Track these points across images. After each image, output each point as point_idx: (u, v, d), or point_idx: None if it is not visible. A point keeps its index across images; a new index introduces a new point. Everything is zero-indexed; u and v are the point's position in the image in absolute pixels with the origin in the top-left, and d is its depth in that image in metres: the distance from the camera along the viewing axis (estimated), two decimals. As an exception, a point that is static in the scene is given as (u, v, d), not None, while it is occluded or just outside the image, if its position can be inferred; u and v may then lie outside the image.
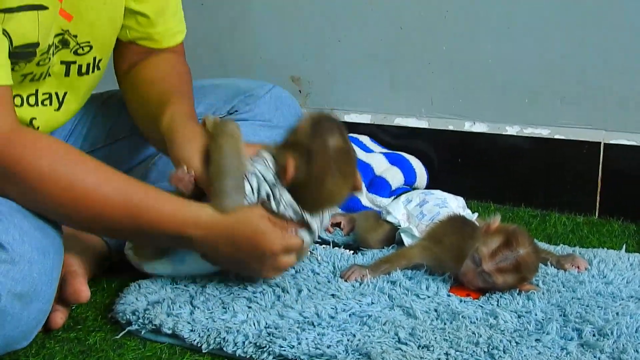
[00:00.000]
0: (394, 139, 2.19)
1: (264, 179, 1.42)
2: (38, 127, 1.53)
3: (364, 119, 2.22)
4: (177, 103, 1.53)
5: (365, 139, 2.14)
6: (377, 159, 2.07)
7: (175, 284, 1.49)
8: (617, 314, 1.37)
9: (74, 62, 1.53)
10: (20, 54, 1.38)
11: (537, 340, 1.29)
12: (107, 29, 1.54)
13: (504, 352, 1.24)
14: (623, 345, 1.26)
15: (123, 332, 1.38)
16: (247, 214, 1.39)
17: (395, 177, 2.02)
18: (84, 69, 1.55)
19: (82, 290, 1.40)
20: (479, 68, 2.10)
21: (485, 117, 2.11)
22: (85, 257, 1.52)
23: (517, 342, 1.28)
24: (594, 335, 1.30)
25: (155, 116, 1.52)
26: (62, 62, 1.51)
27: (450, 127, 2.14)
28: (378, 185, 1.99)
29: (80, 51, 1.51)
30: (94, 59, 1.56)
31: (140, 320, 1.37)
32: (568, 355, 1.24)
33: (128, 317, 1.38)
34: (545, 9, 2.01)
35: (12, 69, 1.37)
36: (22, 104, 1.50)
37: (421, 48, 2.15)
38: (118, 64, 1.70)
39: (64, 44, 1.48)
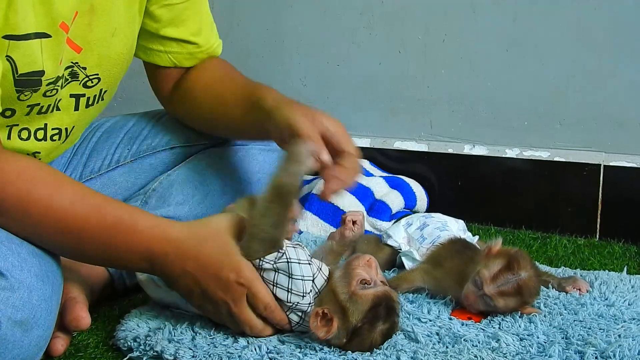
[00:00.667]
0: (394, 163, 2.19)
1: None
2: (40, 158, 1.53)
3: (364, 142, 2.23)
4: (269, 89, 1.56)
5: (365, 163, 2.15)
6: (377, 183, 2.07)
7: (176, 310, 1.48)
8: (620, 336, 1.36)
9: (83, 95, 1.53)
10: (26, 82, 1.38)
11: (539, 363, 1.29)
12: (115, 61, 1.55)
13: (507, 376, 1.24)
14: (626, 367, 1.26)
15: (125, 359, 1.37)
16: (218, 228, 1.34)
17: (395, 201, 2.02)
18: (90, 101, 1.56)
19: (83, 317, 1.39)
20: (478, 91, 2.10)
21: (484, 140, 2.12)
22: (86, 284, 1.51)
23: (519, 365, 1.27)
24: (596, 357, 1.30)
25: (248, 103, 1.55)
26: (71, 96, 1.51)
27: (450, 150, 2.14)
28: (378, 209, 1.99)
29: (89, 83, 1.52)
30: (100, 90, 1.56)
31: (142, 347, 1.36)
32: (571, 378, 1.24)
33: (129, 343, 1.38)
34: (545, 32, 2.02)
35: (18, 98, 1.38)
36: (28, 138, 1.50)
37: (420, 72, 2.16)
38: (161, 87, 1.73)
39: (73, 76, 1.49)
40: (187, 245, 1.33)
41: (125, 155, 1.77)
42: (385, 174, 2.15)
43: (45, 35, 1.38)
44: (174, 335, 1.38)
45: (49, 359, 1.37)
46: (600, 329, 1.39)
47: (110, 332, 1.47)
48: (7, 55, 1.32)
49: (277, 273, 1.33)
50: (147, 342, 1.36)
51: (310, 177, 2.11)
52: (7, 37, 1.32)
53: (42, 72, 1.39)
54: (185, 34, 1.65)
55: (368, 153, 2.21)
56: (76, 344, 1.43)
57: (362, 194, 2.01)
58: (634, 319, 1.45)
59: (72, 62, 1.47)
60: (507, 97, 2.08)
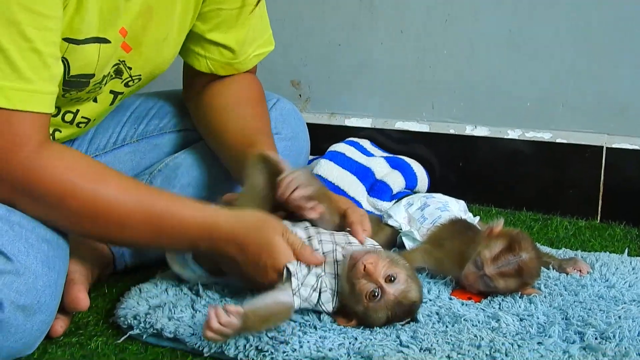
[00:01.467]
0: (395, 143, 2.19)
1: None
2: (57, 138, 1.53)
3: (365, 123, 2.22)
4: (268, 144, 1.56)
5: (366, 143, 2.14)
6: (378, 163, 2.07)
7: (176, 288, 1.48)
8: (620, 317, 1.37)
9: (122, 93, 1.53)
10: (74, 83, 1.38)
11: (539, 343, 1.29)
12: (159, 66, 1.55)
13: (506, 355, 1.24)
14: (625, 348, 1.26)
15: (125, 337, 1.37)
16: (263, 224, 1.38)
17: (396, 181, 2.02)
18: (124, 99, 1.57)
19: (81, 299, 1.39)
20: (480, 72, 2.10)
21: (486, 121, 2.11)
22: (88, 264, 1.52)
23: (519, 345, 1.27)
24: (596, 338, 1.30)
25: (239, 154, 1.55)
26: (111, 92, 1.51)
27: (452, 131, 2.14)
28: (379, 190, 1.99)
29: (130, 83, 1.52)
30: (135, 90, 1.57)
31: (142, 325, 1.37)
32: (570, 359, 1.23)
33: (129, 321, 1.38)
34: (547, 15, 2.01)
35: (63, 96, 1.39)
36: (55, 115, 1.50)
37: (422, 52, 2.15)
38: (190, 86, 1.73)
39: (118, 73, 1.48)
40: (234, 234, 1.36)
41: (132, 135, 1.76)
42: (386, 154, 2.15)
43: (105, 41, 1.38)
44: (174, 314, 1.38)
45: (47, 337, 1.37)
46: (600, 310, 1.39)
47: (110, 310, 1.47)
48: (62, 57, 1.32)
49: None
50: (147, 320, 1.36)
51: (311, 158, 2.11)
52: (67, 39, 1.32)
53: (92, 75, 1.39)
54: (231, 40, 1.63)
55: (369, 133, 2.21)
56: (76, 322, 1.44)
57: (363, 174, 2.01)
58: (634, 300, 1.45)
59: (119, 60, 1.46)
60: (509, 78, 2.08)
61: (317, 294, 1.35)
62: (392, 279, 1.32)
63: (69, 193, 1.27)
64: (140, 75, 1.52)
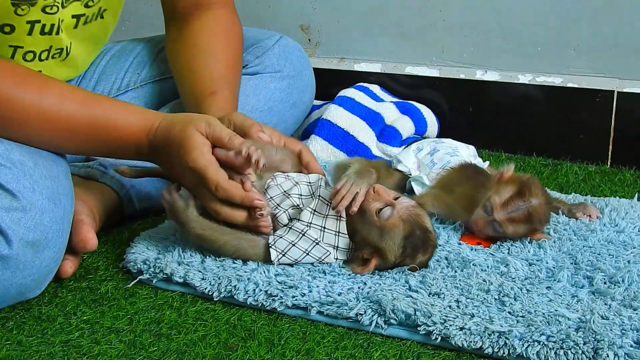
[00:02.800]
0: (405, 88, 2.17)
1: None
2: None
3: (375, 67, 2.20)
4: (220, 99, 1.54)
5: (375, 88, 2.13)
6: (387, 108, 2.06)
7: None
8: (629, 262, 1.37)
9: (83, 15, 1.51)
10: None
11: (548, 287, 1.29)
12: None
13: (515, 300, 1.24)
14: (634, 292, 1.26)
15: (134, 282, 1.38)
16: (191, 118, 1.35)
17: (405, 126, 2.01)
18: (89, 20, 1.54)
19: (90, 239, 1.40)
20: (490, 16, 2.07)
21: (497, 66, 2.10)
22: (95, 206, 1.52)
23: (527, 290, 1.28)
24: (605, 282, 1.30)
25: (198, 99, 1.55)
26: (73, 16, 1.50)
27: (462, 76, 2.12)
28: (388, 135, 1.98)
29: (90, 3, 1.50)
30: (99, 9, 1.54)
31: (152, 270, 1.37)
32: (579, 303, 1.24)
33: (139, 266, 1.39)
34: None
35: (15, 12, 1.37)
36: (33, 59, 1.49)
37: (432, -4, 2.13)
38: (168, 23, 1.71)
39: None
40: (163, 133, 1.35)
41: (135, 80, 1.76)
42: (395, 100, 2.13)
43: None
44: (184, 258, 1.39)
45: (59, 281, 1.38)
46: (609, 255, 1.40)
47: (119, 255, 1.48)
48: None
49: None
50: (156, 264, 1.37)
51: (320, 103, 2.10)
52: None
53: None
54: None
55: (379, 78, 2.19)
56: (86, 267, 1.44)
57: (373, 119, 2.00)
58: (643, 245, 1.45)
59: None
60: (520, 22, 2.05)
61: (305, 253, 1.35)
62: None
63: (13, 100, 1.29)
64: None
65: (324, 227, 1.35)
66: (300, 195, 1.39)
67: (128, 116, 1.37)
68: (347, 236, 1.36)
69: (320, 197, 1.37)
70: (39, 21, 1.43)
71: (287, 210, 1.37)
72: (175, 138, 1.33)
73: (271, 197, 1.39)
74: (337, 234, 1.36)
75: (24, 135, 1.32)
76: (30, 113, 1.31)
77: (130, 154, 1.40)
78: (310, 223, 1.35)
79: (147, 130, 1.36)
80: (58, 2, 1.43)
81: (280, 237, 1.35)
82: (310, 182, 1.41)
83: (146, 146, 1.37)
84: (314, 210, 1.36)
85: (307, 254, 1.34)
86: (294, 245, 1.34)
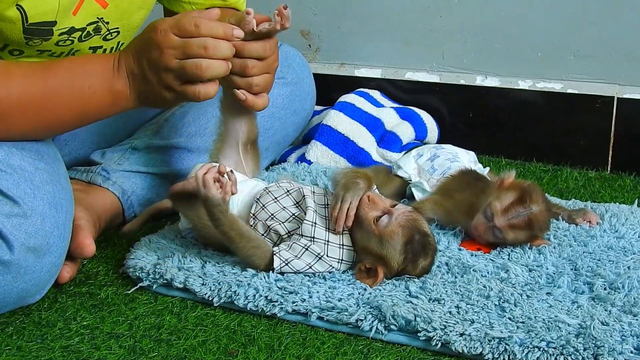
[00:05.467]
0: (405, 94, 2.18)
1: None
2: None
3: (375, 73, 2.21)
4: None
5: (375, 94, 2.13)
6: (387, 114, 2.06)
7: (185, 238, 1.49)
8: (629, 267, 1.37)
9: (101, 47, 1.51)
10: (35, 31, 1.36)
11: (548, 293, 1.29)
12: (136, 15, 1.52)
13: (515, 305, 1.24)
14: (634, 298, 1.26)
15: (135, 288, 1.38)
16: (146, 29, 1.32)
17: (406, 132, 2.01)
18: (107, 52, 1.54)
19: (87, 245, 1.39)
20: (491, 22, 2.07)
21: (497, 71, 2.10)
22: (94, 211, 1.52)
23: (528, 296, 1.28)
24: (605, 288, 1.30)
25: None
26: (90, 48, 1.49)
27: (462, 82, 2.12)
28: (389, 140, 1.98)
29: (108, 37, 1.50)
30: (118, 43, 1.54)
31: (152, 275, 1.37)
32: (579, 309, 1.24)
33: (139, 272, 1.39)
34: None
35: (26, 43, 1.36)
36: None
37: (433, 2, 2.13)
38: None
39: (97, 31, 1.46)
40: (128, 51, 1.33)
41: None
42: (396, 105, 2.14)
43: None
44: (184, 264, 1.39)
45: (59, 286, 1.38)
46: (609, 261, 1.40)
47: (119, 260, 1.48)
48: (18, 4, 1.29)
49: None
50: (156, 270, 1.37)
51: (320, 108, 2.10)
52: None
53: (53, 23, 1.36)
54: None
55: (379, 84, 2.19)
56: (86, 272, 1.44)
57: (373, 124, 2.00)
58: (643, 251, 1.45)
59: (97, 18, 1.43)
60: (520, 28, 2.05)
61: (307, 266, 1.35)
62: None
63: None
64: (117, 27, 1.49)
65: (328, 241, 1.35)
66: (296, 203, 1.40)
67: (87, 62, 1.35)
68: (352, 248, 1.36)
69: (317, 212, 1.38)
70: (49, 50, 1.42)
71: (283, 223, 1.38)
72: (139, 44, 1.30)
73: (264, 205, 1.39)
74: (341, 246, 1.36)
75: (5, 130, 1.30)
76: (8, 104, 1.29)
77: (107, 99, 1.35)
78: (314, 237, 1.35)
79: (112, 62, 1.33)
80: (74, 36, 1.42)
81: (286, 250, 1.35)
82: (301, 189, 1.42)
83: (115, 78, 1.33)
84: (314, 223, 1.36)
85: (310, 267, 1.34)
86: (297, 258, 1.34)
